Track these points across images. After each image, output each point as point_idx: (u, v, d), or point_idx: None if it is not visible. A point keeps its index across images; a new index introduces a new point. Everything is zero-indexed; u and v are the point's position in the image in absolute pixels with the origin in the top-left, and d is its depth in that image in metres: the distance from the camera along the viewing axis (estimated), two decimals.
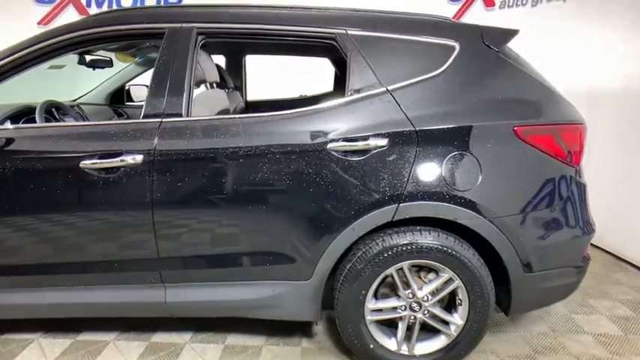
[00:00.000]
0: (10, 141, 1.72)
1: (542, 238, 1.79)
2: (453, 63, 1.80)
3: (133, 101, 3.29)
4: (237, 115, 1.77)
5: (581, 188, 1.86)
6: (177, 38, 1.78)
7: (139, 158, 1.67)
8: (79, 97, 3.07)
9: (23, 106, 2.20)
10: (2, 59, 1.75)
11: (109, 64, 2.57)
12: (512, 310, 1.86)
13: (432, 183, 1.70)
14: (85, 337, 2.18)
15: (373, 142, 1.69)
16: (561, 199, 1.80)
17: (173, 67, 1.76)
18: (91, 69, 2.61)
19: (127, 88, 3.21)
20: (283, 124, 1.73)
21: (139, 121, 1.74)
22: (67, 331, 2.21)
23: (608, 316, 2.41)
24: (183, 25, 1.80)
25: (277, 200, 1.73)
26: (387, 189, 1.70)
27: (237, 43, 2.83)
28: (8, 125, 1.86)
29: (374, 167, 1.70)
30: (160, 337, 2.18)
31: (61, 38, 1.77)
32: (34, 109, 2.17)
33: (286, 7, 1.90)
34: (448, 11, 4.60)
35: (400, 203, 1.70)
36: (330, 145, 1.69)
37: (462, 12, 4.55)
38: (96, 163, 1.67)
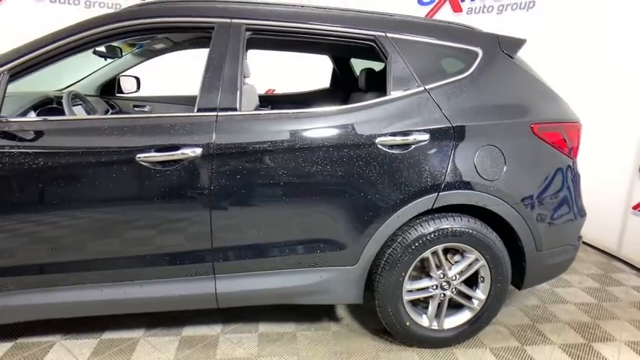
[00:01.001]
0: (48, 132, 1.65)
1: (550, 220, 2.07)
2: (477, 67, 2.02)
3: (123, 93, 3.16)
4: (292, 110, 1.84)
5: (577, 178, 2.18)
6: (228, 33, 1.81)
7: (199, 151, 1.69)
8: (66, 87, 2.89)
9: (42, 96, 2.07)
10: (44, 46, 1.66)
11: (118, 53, 2.47)
12: (525, 284, 2.14)
13: (467, 174, 1.90)
14: (111, 335, 2.12)
15: (416, 137, 1.85)
16: (565, 187, 2.10)
17: (226, 62, 1.79)
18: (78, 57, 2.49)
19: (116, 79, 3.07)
20: (336, 119, 1.83)
21: (195, 114, 1.74)
22: (87, 331, 2.14)
23: (581, 288, 2.81)
24: (233, 20, 1.83)
25: (330, 191, 1.83)
26: (429, 179, 1.87)
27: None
28: (43, 117, 1.77)
29: (417, 160, 1.86)
30: (191, 331, 2.18)
31: (106, 28, 1.72)
32: (52, 98, 2.06)
33: (326, 8, 2.00)
34: (417, 13, 4.90)
35: (440, 192, 1.89)
36: (378, 140, 1.83)
37: (430, 15, 4.86)
38: (154, 156, 1.66)
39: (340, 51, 2.92)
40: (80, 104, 2.27)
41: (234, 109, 1.77)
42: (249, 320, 2.28)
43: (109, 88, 3.07)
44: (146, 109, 3.16)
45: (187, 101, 3.23)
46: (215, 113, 1.75)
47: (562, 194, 2.09)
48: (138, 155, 1.65)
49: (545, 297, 2.67)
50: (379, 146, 1.83)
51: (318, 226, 1.86)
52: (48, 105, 2.09)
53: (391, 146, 1.84)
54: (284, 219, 1.83)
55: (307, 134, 1.79)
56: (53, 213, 1.66)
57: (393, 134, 1.85)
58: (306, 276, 1.93)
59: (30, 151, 1.60)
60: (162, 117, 1.76)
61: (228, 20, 1.83)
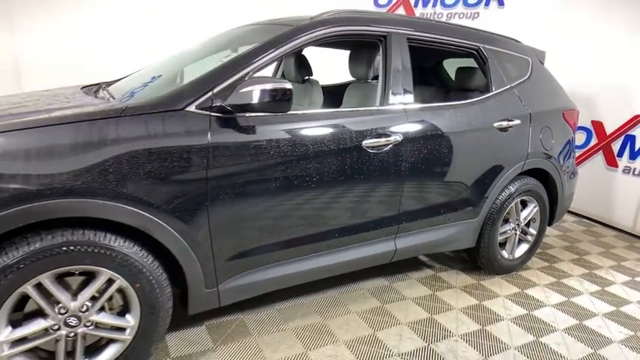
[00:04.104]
0: (311, 124, 1.92)
1: (569, 176, 3.07)
2: (531, 71, 2.85)
3: None
4: (446, 103, 2.39)
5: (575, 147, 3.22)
6: (399, 41, 2.25)
7: (400, 137, 2.13)
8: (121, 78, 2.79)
9: None
10: (272, 51, 1.85)
11: None
12: (554, 222, 3.11)
13: (538, 147, 2.74)
14: (282, 305, 2.36)
15: (514, 122, 2.60)
16: (573, 153, 3.12)
17: (402, 64, 2.23)
18: None
19: None
20: (472, 110, 2.45)
21: (391, 107, 2.15)
22: (257, 306, 2.32)
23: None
24: (400, 30, 2.27)
25: (469, 164, 2.45)
26: (520, 151, 2.65)
27: None
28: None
29: (514, 138, 2.62)
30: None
31: (318, 33, 1.97)
32: None
33: (444, 22, 2.57)
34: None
35: (526, 160, 2.68)
36: (494, 124, 2.52)
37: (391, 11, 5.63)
38: (376, 142, 2.04)
39: (444, 57, 3.36)
40: None
41: (412, 103, 2.24)
42: (363, 278, 2.76)
43: None
44: None
45: None
46: (403, 106, 2.19)
47: (572, 158, 3.11)
48: (364, 142, 2.01)
49: None
50: (495, 129, 2.52)
51: (462, 189, 2.47)
52: None
53: (500, 129, 2.55)
54: (446, 186, 2.40)
55: (459, 121, 2.37)
56: (309, 194, 1.91)
57: (502, 120, 2.56)
58: (450, 229, 2.53)
59: (301, 139, 1.85)
60: (374, 109, 2.13)
61: (395, 30, 2.26)
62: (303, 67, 2.97)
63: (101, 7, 4.87)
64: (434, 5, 5.37)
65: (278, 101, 1.65)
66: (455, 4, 5.23)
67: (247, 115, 1.73)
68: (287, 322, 2.21)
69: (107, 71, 4.54)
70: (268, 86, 1.64)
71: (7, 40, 4.41)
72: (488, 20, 5.00)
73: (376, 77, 2.47)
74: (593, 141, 4.22)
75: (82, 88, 2.28)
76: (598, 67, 4.09)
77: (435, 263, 3.04)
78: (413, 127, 2.19)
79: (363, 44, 2.37)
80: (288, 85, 1.66)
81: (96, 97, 1.98)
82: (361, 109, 2.14)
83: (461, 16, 5.20)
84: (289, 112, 1.84)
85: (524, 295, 2.69)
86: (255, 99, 1.64)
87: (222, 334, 2.09)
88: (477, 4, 5.09)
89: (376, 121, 2.09)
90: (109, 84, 2.42)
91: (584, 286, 2.87)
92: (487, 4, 5.02)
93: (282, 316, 2.26)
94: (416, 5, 5.43)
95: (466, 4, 5.14)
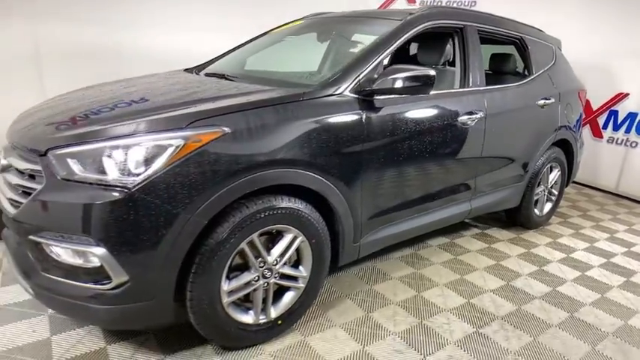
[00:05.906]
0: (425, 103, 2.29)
1: (580, 145, 3.68)
2: (556, 57, 3.39)
3: None
4: (508, 85, 2.85)
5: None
6: (473, 32, 2.66)
7: (482, 114, 2.56)
8: (207, 64, 3.00)
9: None
10: (389, 46, 2.20)
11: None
12: (569, 183, 3.72)
13: (563, 120, 3.30)
14: (376, 261, 2.76)
15: (551, 100, 3.13)
16: (581, 125, 3.73)
17: (478, 52, 2.65)
18: None
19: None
20: (521, 91, 2.94)
21: (473, 89, 2.57)
22: (355, 264, 2.70)
23: None
24: (472, 24, 2.68)
25: (523, 135, 2.95)
26: (553, 124, 3.19)
27: None
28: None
29: (549, 113, 3.15)
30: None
31: (418, 28, 2.33)
32: None
33: (498, 16, 3.01)
34: (374, 4, 6.00)
35: (557, 132, 3.23)
36: (537, 102, 3.03)
37: (385, 6, 6.02)
38: (466, 118, 2.46)
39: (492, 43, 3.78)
40: None
41: (485, 85, 2.68)
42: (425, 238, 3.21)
43: None
44: None
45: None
46: (480, 88, 2.62)
47: (581, 130, 3.72)
48: (459, 118, 2.43)
49: None
50: (538, 106, 3.03)
51: (517, 157, 2.98)
52: None
53: (540, 106, 3.07)
54: (508, 155, 2.89)
55: (517, 100, 2.86)
56: (423, 162, 2.30)
57: (542, 98, 3.07)
58: (505, 191, 3.03)
59: (420, 116, 2.24)
60: (465, 91, 2.53)
61: (469, 23, 2.67)
62: None
63: None
64: None
65: (422, 85, 2.01)
66: None
67: (383, 97, 2.08)
68: (389, 275, 2.61)
69: (123, 60, 4.60)
70: (415, 73, 1.99)
71: (29, 27, 4.32)
72: (484, 9, 5.52)
73: (444, 64, 2.89)
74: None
75: (185, 70, 2.56)
76: (585, 50, 4.73)
77: (477, 223, 3.55)
78: (489, 105, 2.62)
79: (436, 35, 2.75)
80: (432, 72, 2.02)
81: (228, 80, 2.24)
82: (455, 90, 2.54)
83: (459, 3, 5.69)
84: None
85: (557, 243, 3.26)
86: (402, 84, 1.98)
87: (342, 286, 2.45)
88: None
89: (466, 100, 2.51)
90: (200, 68, 2.70)
91: (597, 234, 3.51)
92: None
93: (381, 270, 2.66)
94: None
95: None
